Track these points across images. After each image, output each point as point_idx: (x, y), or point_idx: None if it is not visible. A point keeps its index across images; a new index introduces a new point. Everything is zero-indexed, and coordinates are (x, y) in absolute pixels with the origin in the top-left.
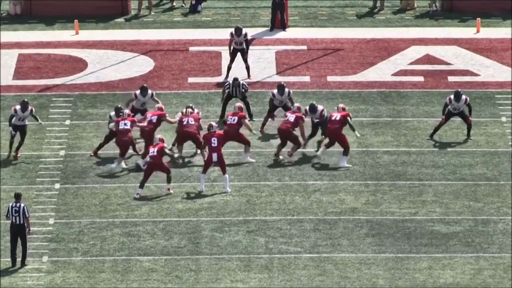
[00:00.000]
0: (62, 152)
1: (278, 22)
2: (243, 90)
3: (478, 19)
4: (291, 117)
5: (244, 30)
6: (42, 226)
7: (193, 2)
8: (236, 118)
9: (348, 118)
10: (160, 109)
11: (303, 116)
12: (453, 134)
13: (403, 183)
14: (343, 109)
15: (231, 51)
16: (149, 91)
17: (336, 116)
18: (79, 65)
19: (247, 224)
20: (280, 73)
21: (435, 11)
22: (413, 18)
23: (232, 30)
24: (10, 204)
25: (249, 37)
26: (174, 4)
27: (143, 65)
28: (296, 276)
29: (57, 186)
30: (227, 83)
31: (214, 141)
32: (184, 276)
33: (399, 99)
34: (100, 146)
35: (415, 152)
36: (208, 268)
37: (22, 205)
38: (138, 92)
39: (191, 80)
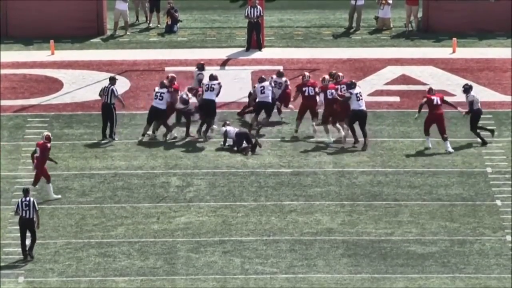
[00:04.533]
0: None
1: (254, 42)
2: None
3: (454, 39)
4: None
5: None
6: (18, 247)
7: (169, 23)
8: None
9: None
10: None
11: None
12: (429, 154)
13: (379, 204)
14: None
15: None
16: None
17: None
18: (55, 85)
19: (223, 244)
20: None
21: (411, 31)
22: (389, 38)
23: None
24: (20, 199)
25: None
26: (150, 24)
27: (119, 85)
28: None
29: None
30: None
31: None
32: None
33: (375, 119)
34: None
35: (391, 173)
36: None
37: (32, 199)
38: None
39: None
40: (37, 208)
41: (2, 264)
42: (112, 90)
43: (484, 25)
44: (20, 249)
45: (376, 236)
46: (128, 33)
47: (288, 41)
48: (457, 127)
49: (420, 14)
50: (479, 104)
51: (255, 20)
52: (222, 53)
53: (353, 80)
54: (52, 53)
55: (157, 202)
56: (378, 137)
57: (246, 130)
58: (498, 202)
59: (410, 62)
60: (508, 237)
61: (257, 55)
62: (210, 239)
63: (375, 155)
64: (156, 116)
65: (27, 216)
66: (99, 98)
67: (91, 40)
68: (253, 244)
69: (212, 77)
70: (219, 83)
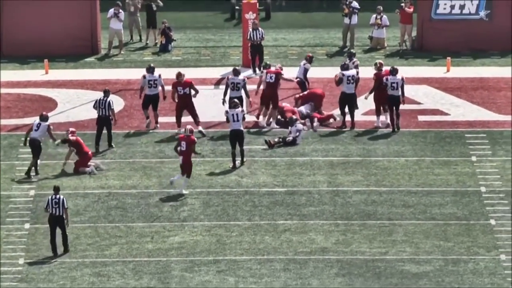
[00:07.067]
0: (32, 192)
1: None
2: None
3: (448, 58)
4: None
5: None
6: (11, 266)
7: (163, 42)
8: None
9: None
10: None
11: None
12: (423, 174)
13: (373, 223)
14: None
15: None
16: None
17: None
18: (49, 104)
19: (217, 264)
20: (250, 112)
21: (405, 50)
22: (383, 57)
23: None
24: (50, 197)
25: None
26: (148, 42)
27: (113, 104)
28: None
29: (26, 226)
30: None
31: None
32: None
33: (369, 138)
34: None
35: (385, 192)
36: None
37: (61, 197)
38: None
39: (161, 119)
40: (66, 206)
41: None
42: (109, 102)
43: (478, 44)
44: (16, 265)
45: (370, 255)
46: (122, 52)
47: (282, 60)
48: (451, 146)
49: (414, 33)
50: (396, 90)
51: (258, 42)
52: (216, 72)
53: (346, 62)
54: (46, 72)
55: (151, 222)
56: (372, 156)
57: (241, 129)
58: (492, 222)
59: (404, 81)
60: (503, 256)
61: (251, 74)
62: (204, 258)
63: (369, 174)
64: (153, 102)
65: (57, 213)
66: (93, 117)
67: (85, 60)
68: (247, 263)
69: (236, 72)
70: (243, 79)
